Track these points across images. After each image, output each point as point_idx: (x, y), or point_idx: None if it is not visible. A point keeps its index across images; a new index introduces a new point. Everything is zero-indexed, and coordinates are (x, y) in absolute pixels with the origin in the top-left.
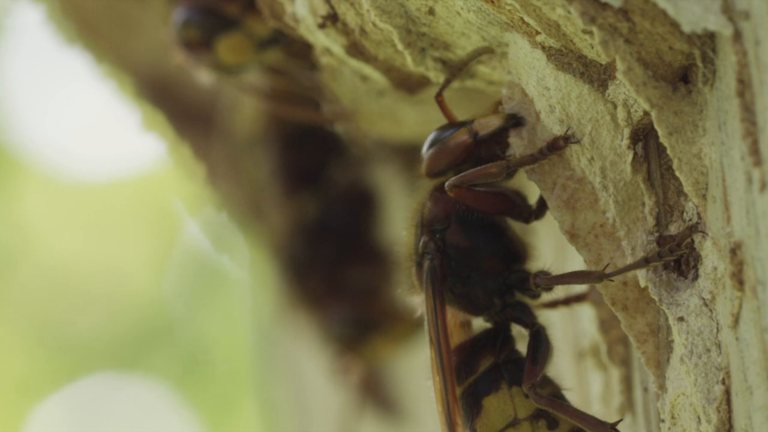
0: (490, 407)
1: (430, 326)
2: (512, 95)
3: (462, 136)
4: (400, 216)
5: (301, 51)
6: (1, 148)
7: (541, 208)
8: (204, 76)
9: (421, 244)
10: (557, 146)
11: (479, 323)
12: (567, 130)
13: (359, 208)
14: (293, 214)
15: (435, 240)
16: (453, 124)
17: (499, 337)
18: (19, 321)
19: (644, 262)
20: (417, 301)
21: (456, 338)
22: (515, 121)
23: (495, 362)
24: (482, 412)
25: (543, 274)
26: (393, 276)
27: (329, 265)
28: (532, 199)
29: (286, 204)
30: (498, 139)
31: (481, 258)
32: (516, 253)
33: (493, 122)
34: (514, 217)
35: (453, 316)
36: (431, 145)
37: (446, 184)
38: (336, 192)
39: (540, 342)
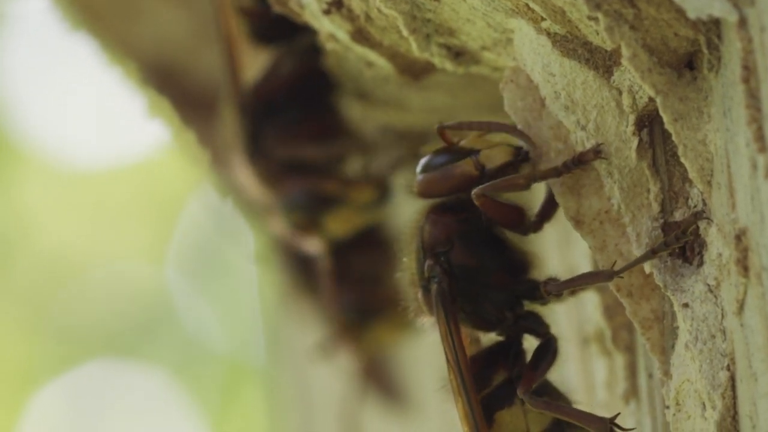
0: (503, 421)
1: (446, 349)
2: (515, 78)
3: (467, 167)
4: (403, 201)
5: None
6: (0, 135)
7: (540, 221)
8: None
9: (426, 268)
10: (585, 160)
11: (490, 336)
12: (597, 145)
13: None
14: None
15: (440, 263)
16: (455, 151)
17: (511, 351)
18: (18, 309)
19: (651, 253)
20: (427, 324)
21: (468, 353)
22: (523, 156)
23: (509, 377)
24: (494, 425)
25: (552, 280)
26: (397, 263)
27: (333, 253)
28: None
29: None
30: (504, 173)
31: (489, 274)
32: (521, 263)
33: (501, 157)
34: (517, 230)
35: (464, 332)
36: (432, 168)
37: (473, 192)
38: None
39: (547, 352)
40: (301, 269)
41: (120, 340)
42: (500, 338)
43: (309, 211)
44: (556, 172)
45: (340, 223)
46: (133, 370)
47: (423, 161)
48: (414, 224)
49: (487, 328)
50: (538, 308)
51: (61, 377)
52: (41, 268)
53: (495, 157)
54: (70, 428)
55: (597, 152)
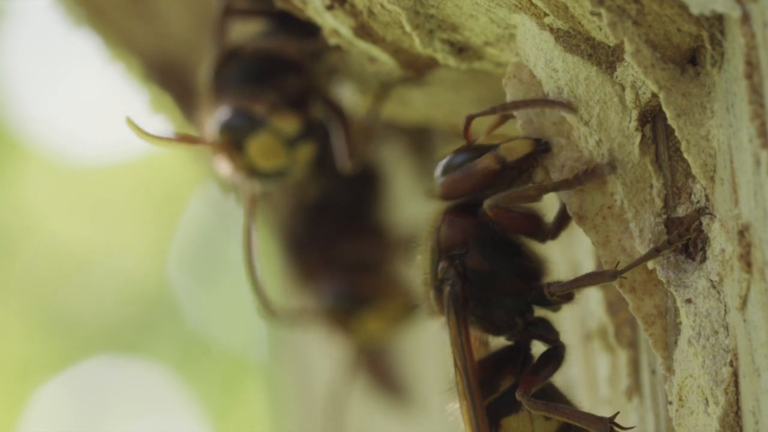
0: (509, 427)
1: (455, 352)
2: (518, 74)
3: (488, 162)
4: (405, 196)
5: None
6: (2, 131)
7: (557, 228)
8: (249, 187)
9: (440, 269)
10: (598, 174)
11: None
12: (612, 160)
13: (362, 188)
14: (296, 196)
15: (455, 265)
16: (474, 148)
17: (520, 356)
18: (20, 304)
19: (655, 252)
20: (438, 324)
21: (476, 356)
22: (543, 147)
23: (516, 382)
24: (501, 431)
25: (556, 282)
26: (391, 255)
27: (327, 241)
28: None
29: (289, 186)
30: (524, 166)
31: (502, 280)
32: (534, 270)
33: (521, 149)
34: (534, 237)
35: (473, 336)
36: (453, 168)
37: (485, 203)
38: (340, 173)
39: (552, 359)
40: (295, 258)
41: (122, 336)
42: (509, 342)
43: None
44: (568, 184)
45: (262, 153)
46: (134, 366)
47: (442, 163)
48: (430, 224)
49: (497, 333)
50: (549, 314)
51: (63, 373)
52: (43, 264)
53: (515, 150)
54: (71, 424)
55: (611, 167)
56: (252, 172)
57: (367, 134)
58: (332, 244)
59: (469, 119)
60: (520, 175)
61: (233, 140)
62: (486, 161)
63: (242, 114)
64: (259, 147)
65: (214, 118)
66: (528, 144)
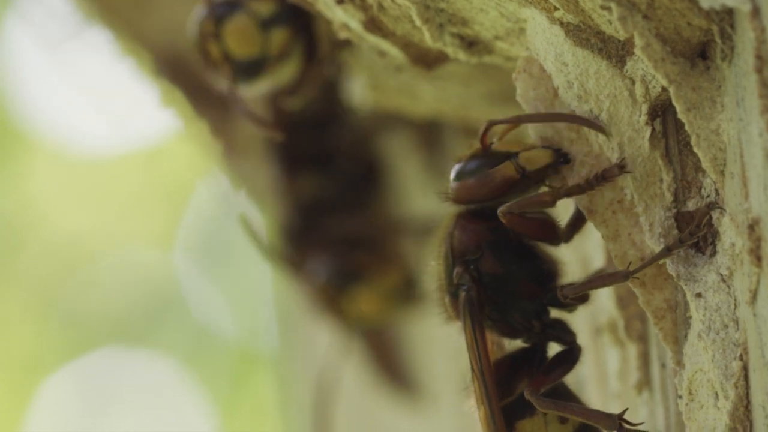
0: (524, 431)
1: (471, 357)
2: (528, 68)
3: (508, 171)
4: (413, 190)
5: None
6: (9, 123)
7: (570, 232)
8: (224, 84)
9: (455, 275)
10: (609, 176)
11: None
12: (621, 160)
13: (363, 183)
14: (295, 195)
15: (469, 271)
16: (492, 155)
17: (536, 359)
18: (27, 296)
19: (667, 251)
20: (454, 329)
21: (492, 358)
22: (564, 159)
23: None
24: None
25: (568, 285)
26: (391, 234)
27: (324, 225)
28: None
29: (289, 186)
30: (543, 175)
31: (517, 283)
32: (549, 272)
33: (542, 159)
34: (549, 242)
35: (490, 339)
36: (470, 173)
37: (499, 210)
38: (340, 169)
39: (565, 360)
40: (291, 243)
41: (129, 328)
42: (525, 344)
43: None
44: (581, 189)
45: (237, 38)
46: (142, 358)
47: (458, 167)
48: (443, 229)
49: (514, 336)
50: (564, 315)
51: (70, 364)
52: (50, 256)
53: (536, 160)
54: (78, 416)
55: (621, 167)
56: (228, 61)
57: (317, 79)
58: (329, 225)
59: (489, 125)
60: (536, 184)
61: (211, 29)
62: (505, 169)
63: (219, 2)
64: (234, 30)
65: (193, 14)
66: (548, 155)
